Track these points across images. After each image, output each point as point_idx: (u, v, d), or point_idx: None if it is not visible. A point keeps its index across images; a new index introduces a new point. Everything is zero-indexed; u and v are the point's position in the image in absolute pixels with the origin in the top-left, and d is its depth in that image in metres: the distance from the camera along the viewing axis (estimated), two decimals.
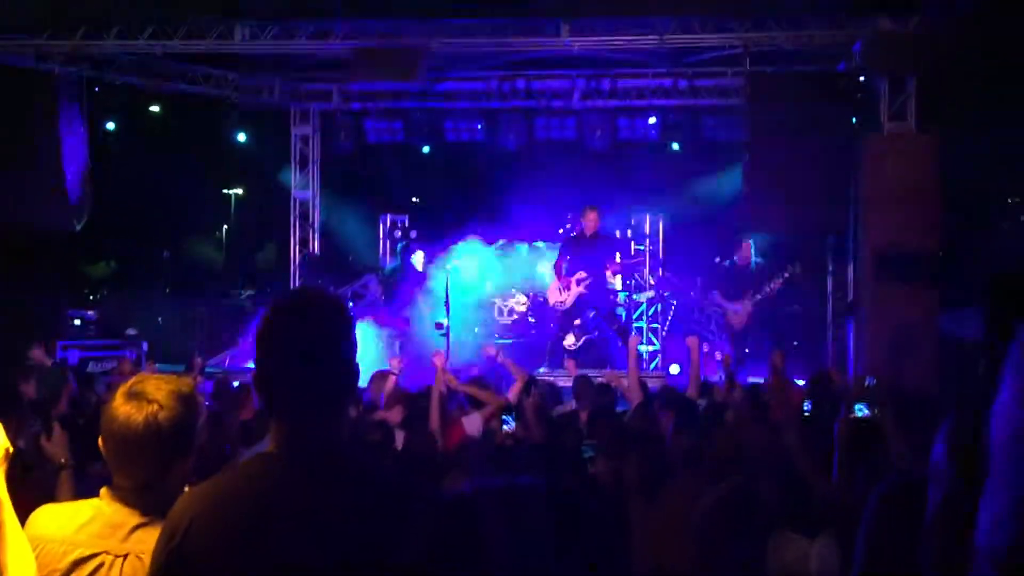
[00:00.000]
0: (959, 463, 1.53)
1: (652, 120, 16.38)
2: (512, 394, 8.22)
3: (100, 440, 2.74)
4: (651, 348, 15.52)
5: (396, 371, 8.27)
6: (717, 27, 13.33)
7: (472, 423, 7.40)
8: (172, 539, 2.19)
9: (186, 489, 2.69)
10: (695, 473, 4.94)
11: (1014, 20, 11.79)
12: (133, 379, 2.79)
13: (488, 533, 1.94)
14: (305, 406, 2.25)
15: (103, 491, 2.73)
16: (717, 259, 15.29)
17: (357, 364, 2.35)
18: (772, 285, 13.31)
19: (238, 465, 2.33)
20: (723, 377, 9.13)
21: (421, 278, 16.01)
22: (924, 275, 12.38)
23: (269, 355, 2.29)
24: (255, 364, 2.32)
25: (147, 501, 2.67)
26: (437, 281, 15.04)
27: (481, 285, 15.68)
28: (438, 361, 8.05)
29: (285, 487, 2.19)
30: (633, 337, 9.92)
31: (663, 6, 12.75)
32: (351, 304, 15.99)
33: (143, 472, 2.70)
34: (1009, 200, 20.75)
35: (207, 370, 13.41)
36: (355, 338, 2.34)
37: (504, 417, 6.56)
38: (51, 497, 3.51)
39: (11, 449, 2.53)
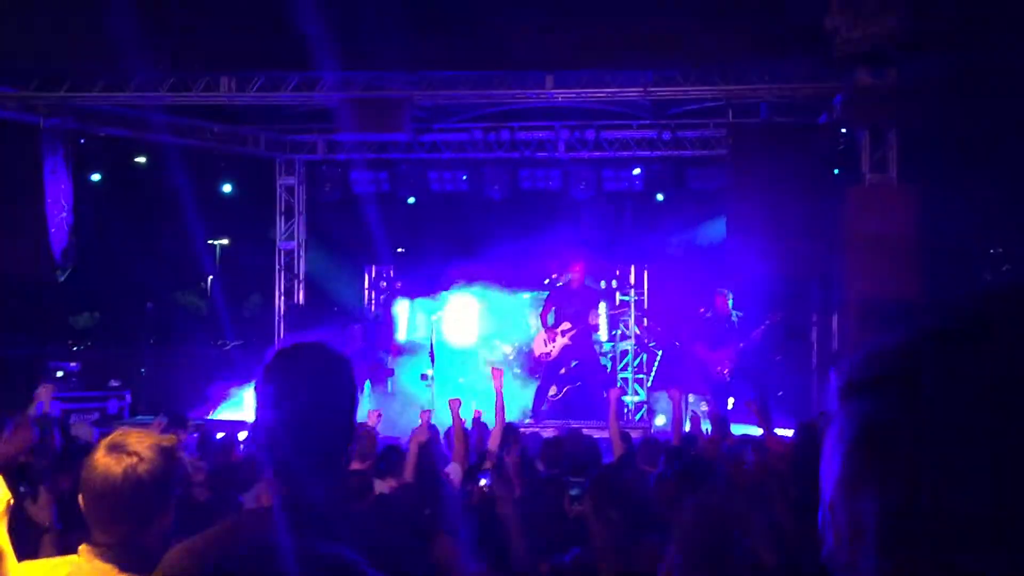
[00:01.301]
0: None
1: (636, 171, 16.49)
2: (491, 443, 8.17)
3: (80, 495, 2.72)
4: (636, 399, 15.51)
5: (373, 423, 8.24)
6: (699, 79, 13.47)
7: (454, 472, 7.36)
8: None
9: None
10: (677, 523, 4.90)
11: (991, 73, 11.95)
12: (115, 432, 2.77)
13: None
14: (303, 460, 2.23)
15: (82, 548, 2.70)
16: (702, 310, 15.31)
17: (355, 418, 2.33)
18: (753, 334, 13.34)
19: (229, 520, 2.30)
20: (709, 429, 9.10)
21: (402, 328, 16.06)
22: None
23: (270, 407, 2.27)
24: (255, 415, 2.29)
25: (125, 557, 2.64)
26: (423, 332, 15.05)
27: (466, 336, 15.68)
28: (424, 418, 8.04)
29: (277, 544, 2.16)
30: (613, 390, 9.89)
31: (646, 59, 12.87)
32: None
33: (122, 526, 2.66)
34: (992, 251, 20.86)
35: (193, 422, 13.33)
36: (354, 389, 2.33)
37: (479, 474, 6.51)
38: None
39: (12, 500, 2.51)
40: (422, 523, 5.18)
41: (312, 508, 2.21)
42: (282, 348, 2.39)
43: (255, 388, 2.28)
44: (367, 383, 15.17)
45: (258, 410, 2.27)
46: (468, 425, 8.51)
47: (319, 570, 2.14)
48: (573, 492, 5.92)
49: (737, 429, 11.06)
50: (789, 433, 10.56)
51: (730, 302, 13.54)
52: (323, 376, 2.28)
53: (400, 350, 15.81)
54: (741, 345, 13.28)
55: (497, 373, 8.90)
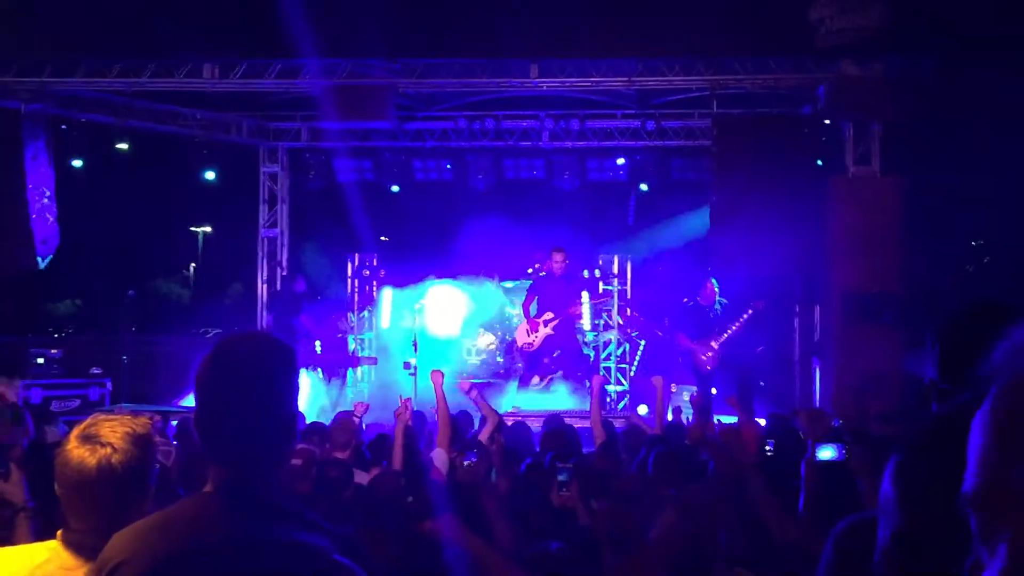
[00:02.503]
0: (907, 500, 1.54)
1: (620, 161, 16.49)
2: (484, 436, 8.16)
3: (55, 484, 2.70)
4: (619, 388, 15.52)
5: (359, 415, 8.22)
6: (684, 69, 13.48)
7: (439, 458, 7.34)
8: None
9: None
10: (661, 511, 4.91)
11: (975, 65, 11.99)
12: (87, 421, 2.74)
13: None
14: (240, 449, 2.22)
15: (59, 535, 2.68)
16: (685, 299, 15.33)
17: (296, 408, 2.32)
18: (737, 323, 13.36)
19: (173, 505, 2.30)
20: (691, 418, 9.10)
21: (385, 316, 16.10)
22: (889, 316, 12.48)
23: (207, 396, 2.27)
24: (195, 404, 2.29)
25: (103, 545, 2.62)
26: (406, 321, 15.05)
27: (450, 325, 15.66)
28: (404, 406, 8.00)
29: (216, 529, 2.16)
30: (596, 377, 9.87)
31: (630, 48, 12.87)
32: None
33: (98, 516, 2.64)
34: (973, 243, 20.98)
35: (172, 409, 13.30)
36: (295, 380, 2.32)
37: (466, 452, 6.49)
38: (8, 540, 3.45)
39: None
40: (409, 509, 5.18)
41: (252, 494, 2.20)
42: (221, 339, 2.38)
43: (195, 378, 2.27)
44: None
45: (198, 400, 2.27)
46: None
47: (269, 555, 2.14)
48: (561, 477, 5.94)
49: (719, 418, 11.11)
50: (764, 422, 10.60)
51: (717, 290, 13.57)
52: (260, 365, 2.27)
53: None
54: (726, 335, 13.30)
55: (436, 376, 8.43)
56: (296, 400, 2.31)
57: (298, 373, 2.33)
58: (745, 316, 13.37)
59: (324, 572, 2.15)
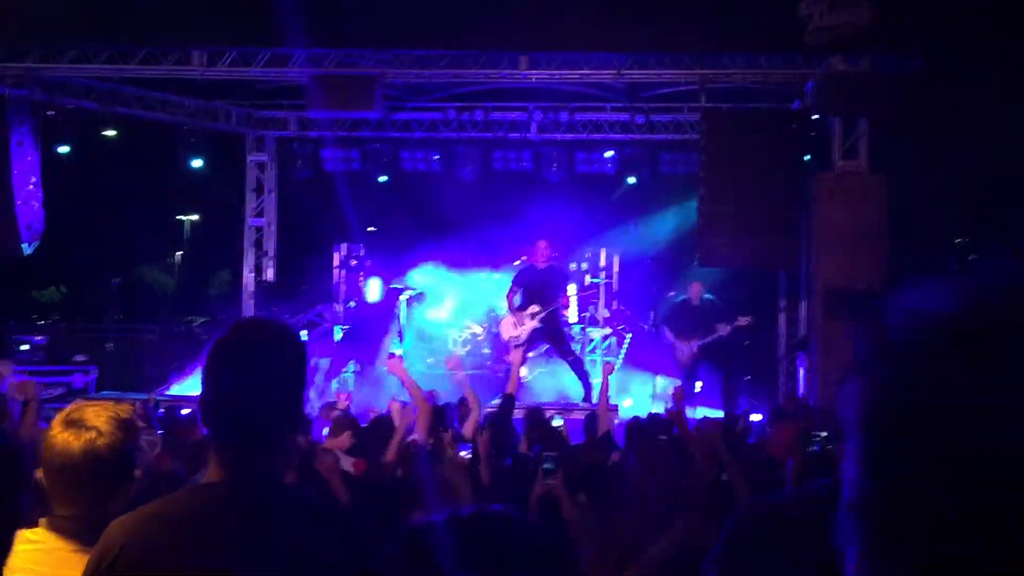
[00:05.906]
0: None
1: (609, 154, 16.48)
2: (467, 429, 8.14)
3: (40, 469, 2.69)
4: None
5: (341, 408, 8.23)
6: (673, 63, 13.49)
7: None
8: (100, 564, 2.15)
9: None
10: (650, 508, 4.92)
11: (963, 64, 12.03)
12: (71, 406, 2.74)
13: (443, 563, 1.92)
14: (247, 436, 2.21)
15: (43, 520, 2.68)
16: (672, 293, 15.36)
17: (304, 396, 2.32)
18: (722, 330, 13.36)
19: (176, 493, 2.29)
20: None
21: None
22: (873, 313, 12.50)
23: (215, 381, 2.26)
24: (201, 389, 2.28)
25: (87, 530, 2.62)
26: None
27: (436, 316, 15.65)
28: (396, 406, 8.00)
29: (221, 518, 2.15)
30: (607, 365, 9.84)
31: (620, 41, 12.87)
32: (306, 334, 15.88)
33: (83, 501, 2.64)
34: (957, 240, 21.04)
35: (157, 397, 13.27)
36: (305, 370, 2.31)
37: (460, 445, 6.49)
38: None
39: None
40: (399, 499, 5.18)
41: (256, 484, 2.19)
42: (230, 324, 2.37)
43: (202, 363, 2.26)
44: (351, 363, 15.12)
45: (205, 383, 2.26)
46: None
47: (275, 549, 2.13)
48: (547, 466, 5.96)
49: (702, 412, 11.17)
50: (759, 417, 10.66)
51: (703, 290, 13.57)
52: (268, 352, 2.26)
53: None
54: (707, 339, 13.33)
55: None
56: (303, 389, 2.30)
57: (306, 362, 2.32)
58: (731, 327, 13.37)
59: (331, 566, 2.15)
